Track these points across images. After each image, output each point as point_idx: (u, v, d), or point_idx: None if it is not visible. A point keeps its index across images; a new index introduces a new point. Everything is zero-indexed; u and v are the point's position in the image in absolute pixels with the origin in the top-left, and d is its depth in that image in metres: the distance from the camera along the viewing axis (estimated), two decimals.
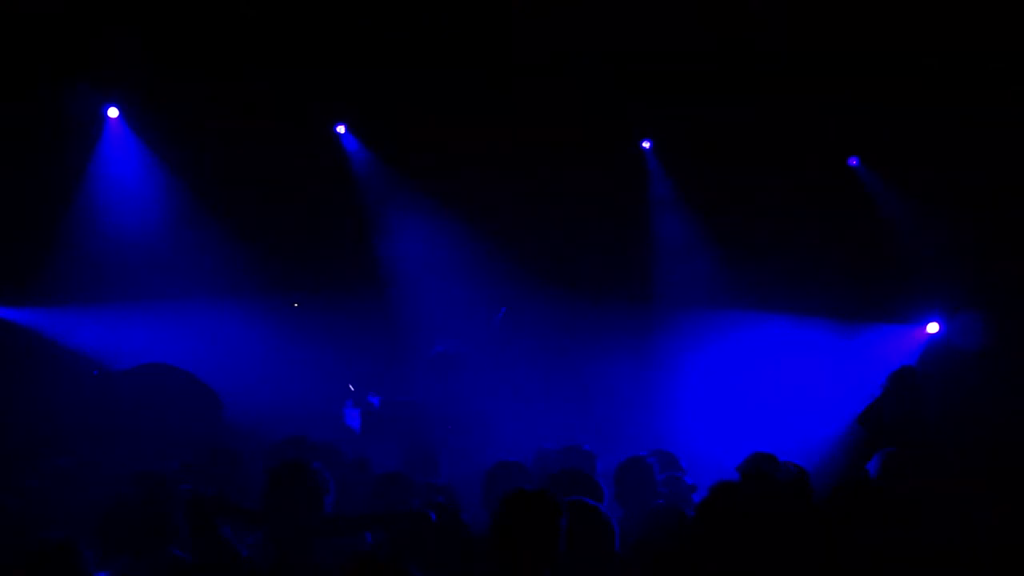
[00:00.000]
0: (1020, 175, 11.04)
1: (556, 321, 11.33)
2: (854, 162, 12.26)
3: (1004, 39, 10.48)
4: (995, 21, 10.34)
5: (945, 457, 7.98)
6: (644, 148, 12.34)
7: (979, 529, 5.81)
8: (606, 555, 5.38)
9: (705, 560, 4.86)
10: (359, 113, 11.75)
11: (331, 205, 11.56)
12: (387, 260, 11.75)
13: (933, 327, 11.87)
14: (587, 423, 9.82)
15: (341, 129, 11.87)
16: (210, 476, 7.09)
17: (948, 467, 7.81)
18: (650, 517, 6.31)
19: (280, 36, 10.58)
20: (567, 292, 11.35)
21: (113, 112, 10.97)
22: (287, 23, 10.59)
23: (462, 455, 8.40)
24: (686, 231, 12.25)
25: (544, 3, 10.42)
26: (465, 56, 10.88)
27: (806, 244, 11.54)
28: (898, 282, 11.81)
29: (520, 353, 10.27)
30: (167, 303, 10.65)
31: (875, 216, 12.10)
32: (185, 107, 10.72)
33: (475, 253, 11.48)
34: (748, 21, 10.62)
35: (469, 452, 8.49)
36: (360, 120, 11.83)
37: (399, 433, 9.53)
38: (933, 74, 10.85)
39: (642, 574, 4.89)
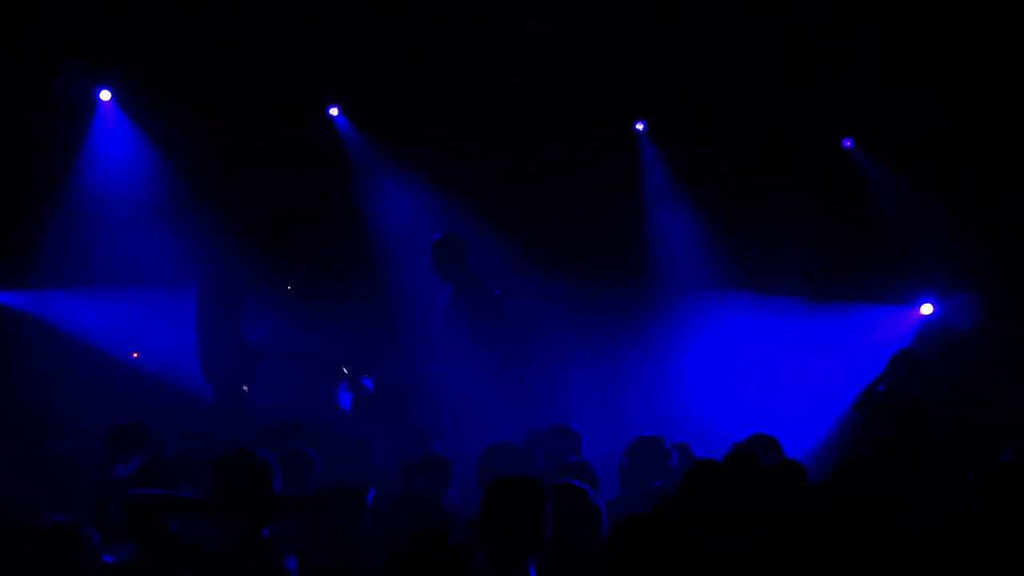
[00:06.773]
0: (1014, 155, 11.04)
1: (550, 302, 11.29)
2: (848, 144, 12.26)
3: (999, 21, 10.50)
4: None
5: (940, 439, 7.98)
6: (638, 130, 12.34)
7: (973, 512, 5.80)
8: (591, 538, 5.36)
9: (682, 536, 4.81)
10: (352, 95, 11.70)
11: (324, 187, 11.52)
12: (380, 242, 11.72)
13: (927, 308, 11.87)
14: (579, 405, 9.80)
15: (334, 111, 11.84)
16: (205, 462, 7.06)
17: (943, 449, 7.83)
18: (644, 499, 6.32)
19: (273, 18, 10.53)
20: (561, 273, 11.33)
21: (105, 95, 10.91)
22: (280, 5, 10.55)
23: (456, 436, 8.40)
24: (680, 213, 12.24)
25: None
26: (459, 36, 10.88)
27: (800, 226, 11.52)
28: (892, 263, 11.80)
29: (513, 334, 10.22)
30: (159, 287, 10.61)
31: (869, 197, 12.09)
32: (177, 90, 10.67)
33: (469, 235, 11.44)
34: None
35: (463, 433, 8.49)
36: (353, 102, 11.79)
37: (393, 416, 9.52)
38: (929, 56, 10.84)
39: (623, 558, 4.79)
